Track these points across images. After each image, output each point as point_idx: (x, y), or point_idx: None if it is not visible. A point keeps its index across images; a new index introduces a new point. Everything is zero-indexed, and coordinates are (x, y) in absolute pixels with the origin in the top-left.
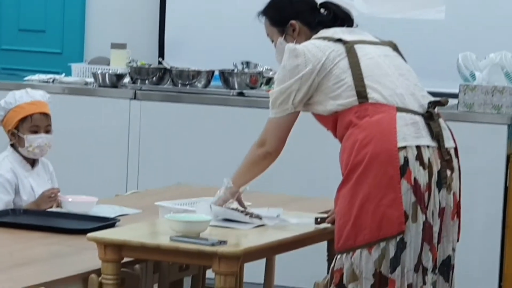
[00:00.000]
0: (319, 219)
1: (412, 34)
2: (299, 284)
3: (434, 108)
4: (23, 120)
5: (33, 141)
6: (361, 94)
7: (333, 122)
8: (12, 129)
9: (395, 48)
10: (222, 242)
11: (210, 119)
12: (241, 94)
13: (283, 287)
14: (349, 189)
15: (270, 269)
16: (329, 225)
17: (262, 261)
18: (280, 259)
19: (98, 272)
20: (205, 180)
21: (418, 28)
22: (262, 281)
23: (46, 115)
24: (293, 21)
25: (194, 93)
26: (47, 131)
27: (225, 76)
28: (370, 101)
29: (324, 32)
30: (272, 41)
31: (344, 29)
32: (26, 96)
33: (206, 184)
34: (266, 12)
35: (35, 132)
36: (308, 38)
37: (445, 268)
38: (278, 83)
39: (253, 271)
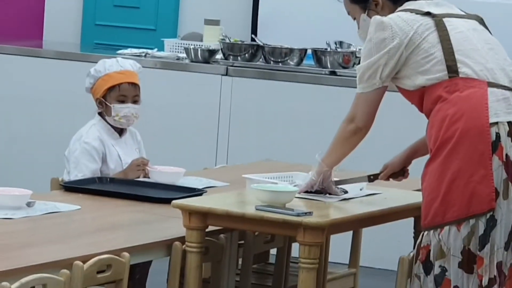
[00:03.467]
0: (372, 177)
1: (506, 18)
2: (384, 265)
3: None
4: (111, 89)
5: (119, 110)
6: (452, 69)
7: (420, 96)
8: (100, 98)
9: (481, 22)
10: (307, 213)
11: (301, 97)
12: (333, 73)
13: (369, 268)
14: (438, 165)
15: (356, 249)
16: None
17: (348, 242)
18: (366, 240)
19: (182, 240)
20: (295, 158)
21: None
22: (347, 262)
23: (134, 85)
24: None
25: (286, 71)
26: (135, 101)
27: (318, 55)
28: (460, 75)
29: (410, 5)
30: (354, 19)
31: (430, 1)
32: (116, 65)
33: (295, 162)
34: None
35: (123, 101)
36: (392, 12)
37: None
38: (364, 57)
39: (339, 251)
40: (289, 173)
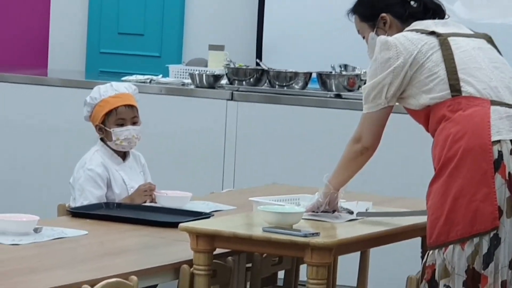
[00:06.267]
0: None
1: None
2: (392, 287)
3: None
4: (108, 113)
5: (120, 134)
6: (455, 88)
7: (425, 116)
8: (99, 124)
9: (489, 40)
10: (315, 234)
11: (307, 120)
12: (338, 96)
13: None
14: (441, 184)
15: (364, 271)
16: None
17: (355, 264)
18: (373, 261)
19: (190, 263)
20: (301, 181)
21: None
22: (355, 284)
23: (131, 107)
24: (383, 14)
25: (291, 94)
26: (134, 123)
27: (323, 78)
28: (463, 94)
29: (417, 25)
30: (364, 38)
31: (437, 21)
32: (111, 90)
33: (302, 185)
34: (356, 9)
35: (122, 124)
36: (400, 31)
37: None
38: (370, 77)
39: (346, 274)
40: (296, 195)
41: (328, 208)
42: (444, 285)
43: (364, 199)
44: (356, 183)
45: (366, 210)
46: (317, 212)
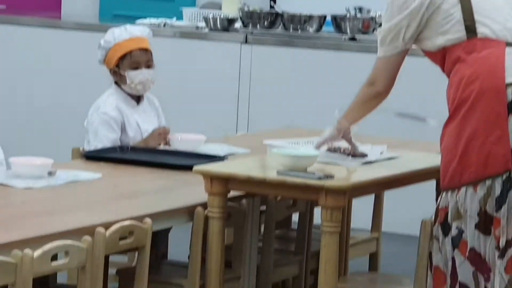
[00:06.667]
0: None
1: None
2: (407, 230)
3: None
4: (123, 57)
5: (134, 77)
6: (470, 29)
7: (442, 57)
8: (114, 67)
9: None
10: (329, 176)
11: (321, 63)
12: (353, 39)
13: (391, 234)
14: (455, 126)
15: (378, 214)
16: None
17: (370, 207)
18: (388, 204)
19: (204, 205)
20: (315, 124)
21: None
22: (370, 228)
23: (146, 51)
24: None
25: (305, 37)
26: (148, 66)
27: (337, 21)
28: (479, 36)
29: None
30: None
31: None
32: (125, 33)
33: (315, 128)
34: None
35: (136, 68)
36: None
37: None
38: (386, 20)
39: (361, 218)
40: (310, 138)
41: (341, 140)
42: (457, 227)
43: (379, 143)
44: (371, 127)
45: (381, 153)
46: (331, 148)
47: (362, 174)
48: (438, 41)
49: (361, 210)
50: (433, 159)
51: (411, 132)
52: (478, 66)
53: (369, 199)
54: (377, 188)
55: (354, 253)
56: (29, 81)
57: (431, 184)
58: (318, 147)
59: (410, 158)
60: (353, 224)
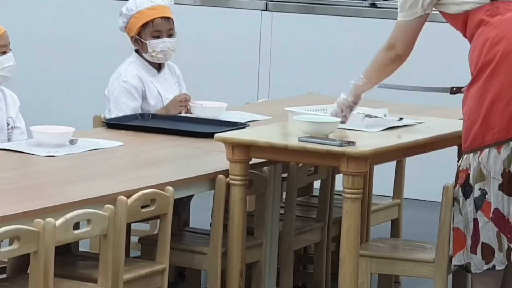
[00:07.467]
0: (454, 88)
1: None
2: (428, 197)
3: None
4: (144, 25)
5: (156, 46)
6: None
7: (463, 21)
8: (135, 35)
9: None
10: (350, 143)
11: (341, 30)
12: (373, 5)
13: (413, 200)
14: (478, 88)
15: (399, 180)
16: None
17: (391, 173)
18: (409, 171)
19: (225, 173)
20: (336, 91)
21: None
22: (391, 195)
23: (168, 19)
24: None
25: (326, 4)
26: (170, 35)
27: None
28: None
29: None
30: None
31: None
32: (147, 1)
33: (337, 95)
34: None
35: (158, 37)
36: None
37: None
38: None
39: (382, 184)
40: (330, 105)
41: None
42: (480, 188)
43: (397, 109)
44: (390, 91)
45: (384, 115)
46: (343, 115)
47: (383, 140)
48: (460, 5)
49: (382, 176)
50: (455, 125)
51: (431, 97)
52: (502, 28)
53: (391, 165)
54: (399, 154)
55: (376, 219)
56: (48, 50)
57: (453, 150)
58: (334, 115)
59: (432, 124)
60: (374, 191)
